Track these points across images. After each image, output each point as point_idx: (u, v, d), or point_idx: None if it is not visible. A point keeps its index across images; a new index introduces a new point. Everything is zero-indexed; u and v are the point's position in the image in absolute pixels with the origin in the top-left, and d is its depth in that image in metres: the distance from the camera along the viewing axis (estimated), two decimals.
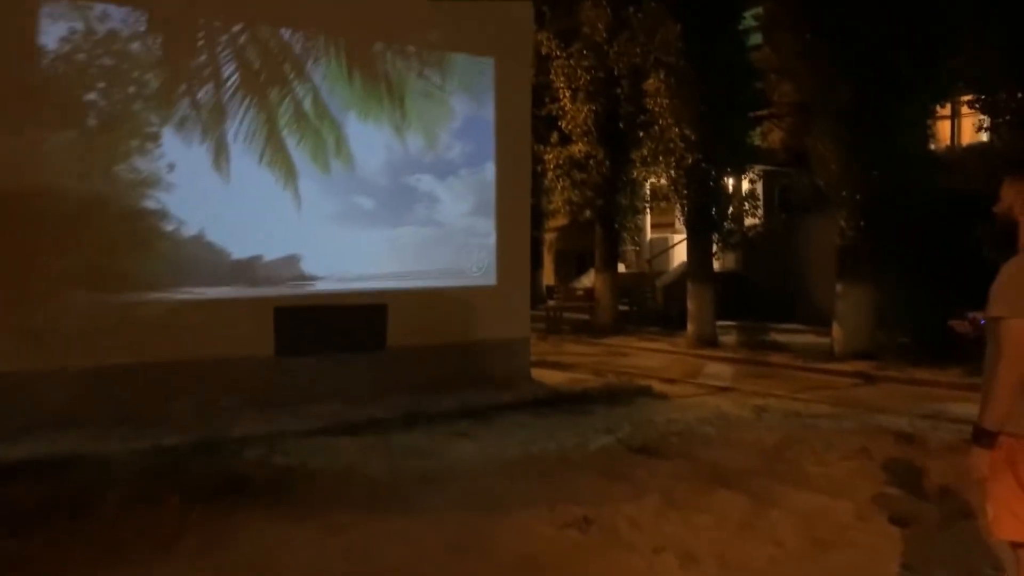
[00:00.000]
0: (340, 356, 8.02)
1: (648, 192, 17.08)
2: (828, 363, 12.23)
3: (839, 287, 12.93)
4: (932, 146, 14.38)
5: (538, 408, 8.10)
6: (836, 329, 12.93)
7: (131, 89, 7.50)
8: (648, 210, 19.36)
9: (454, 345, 8.66)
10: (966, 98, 14.97)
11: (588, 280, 19.49)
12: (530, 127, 10.30)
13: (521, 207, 9.83)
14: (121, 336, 7.09)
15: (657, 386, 9.77)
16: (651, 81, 14.31)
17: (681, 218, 15.17)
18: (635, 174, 16.33)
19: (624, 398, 8.71)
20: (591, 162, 15.98)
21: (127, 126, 7.50)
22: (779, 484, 5.69)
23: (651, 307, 17.74)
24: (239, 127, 8.03)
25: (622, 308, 17.44)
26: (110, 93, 7.43)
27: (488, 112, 9.62)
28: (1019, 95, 11.02)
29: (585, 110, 15.76)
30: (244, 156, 8.06)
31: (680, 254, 20.68)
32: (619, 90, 15.66)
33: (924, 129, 13.25)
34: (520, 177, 9.85)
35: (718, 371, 11.99)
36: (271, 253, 8.22)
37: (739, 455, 6.41)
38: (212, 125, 7.83)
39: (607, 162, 16.03)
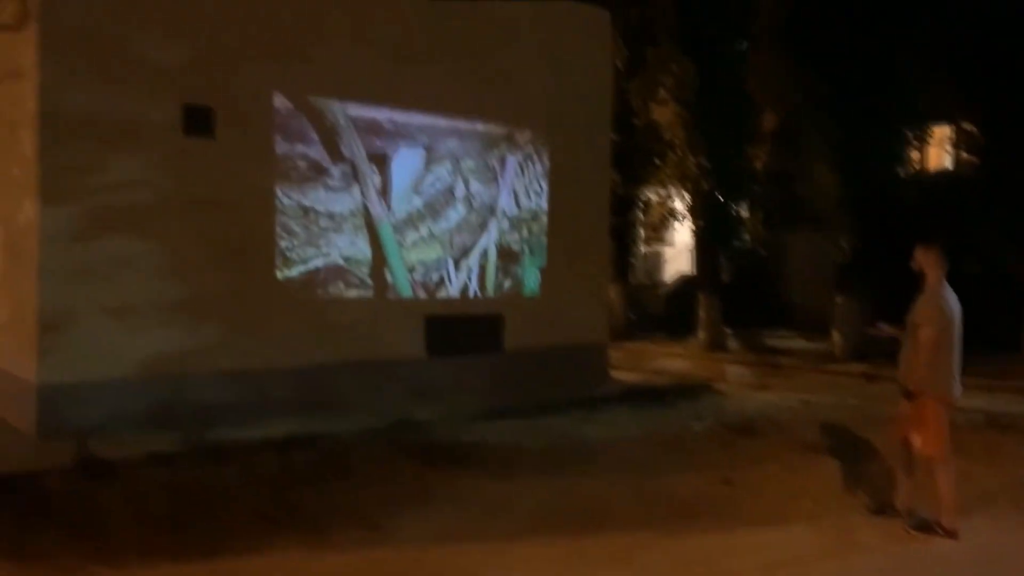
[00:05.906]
0: (470, 357, 9.56)
1: (665, 213, 18.77)
2: (832, 364, 14.05)
3: (839, 299, 14.82)
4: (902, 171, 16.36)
5: (630, 400, 9.70)
6: (836, 335, 14.82)
7: None
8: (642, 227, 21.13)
9: (553, 348, 10.19)
10: (936, 128, 17.16)
11: None
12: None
13: (600, 234, 11.43)
14: (317, 340, 8.62)
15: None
16: (666, 114, 16.09)
17: (693, 236, 16.97)
18: (647, 196, 18.11)
19: (692, 393, 10.40)
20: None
21: None
22: (856, 451, 7.38)
23: (654, 315, 19.47)
24: None
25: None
26: None
27: None
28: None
29: None
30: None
31: (671, 266, 22.60)
32: (635, 121, 17.38)
33: (903, 157, 15.26)
34: (599, 198, 11.42)
35: (740, 372, 13.72)
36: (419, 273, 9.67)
37: (815, 433, 8.12)
38: None
39: (623, 184, 17.73)
